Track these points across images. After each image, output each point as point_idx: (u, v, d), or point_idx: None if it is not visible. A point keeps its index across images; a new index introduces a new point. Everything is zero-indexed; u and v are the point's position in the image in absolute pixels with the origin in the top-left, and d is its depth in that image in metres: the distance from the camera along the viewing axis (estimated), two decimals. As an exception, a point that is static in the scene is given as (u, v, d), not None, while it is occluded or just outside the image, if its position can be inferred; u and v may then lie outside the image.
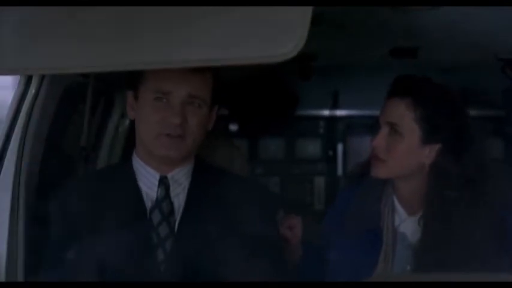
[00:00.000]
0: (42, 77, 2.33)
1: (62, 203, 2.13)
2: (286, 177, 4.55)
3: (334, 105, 4.51)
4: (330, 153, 4.58)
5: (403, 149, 2.23)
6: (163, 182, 2.14)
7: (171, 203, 2.13)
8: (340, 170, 4.57)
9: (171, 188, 2.14)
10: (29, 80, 2.32)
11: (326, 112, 4.56)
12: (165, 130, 2.07)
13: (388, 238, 2.29)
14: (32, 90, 2.31)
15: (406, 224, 2.29)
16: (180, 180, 2.16)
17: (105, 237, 2.05)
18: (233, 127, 4.40)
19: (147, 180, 2.15)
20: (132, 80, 2.15)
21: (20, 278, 2.16)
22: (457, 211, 2.19)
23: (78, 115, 2.65)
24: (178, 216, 2.12)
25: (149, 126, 2.09)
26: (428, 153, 2.24)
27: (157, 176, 2.14)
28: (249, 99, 4.12)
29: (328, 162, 4.59)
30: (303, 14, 1.49)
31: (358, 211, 2.34)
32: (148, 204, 2.13)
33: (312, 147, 4.59)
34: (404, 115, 2.23)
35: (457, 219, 2.18)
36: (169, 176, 2.14)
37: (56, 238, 2.10)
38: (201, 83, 2.09)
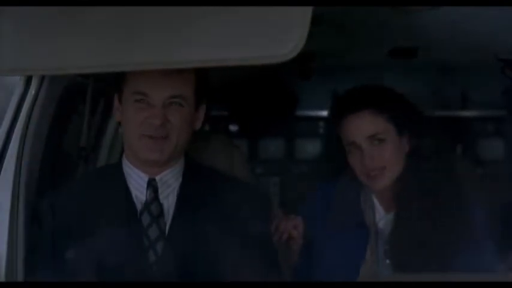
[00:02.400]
0: (42, 77, 2.32)
1: (56, 204, 2.14)
2: (286, 177, 4.55)
3: (334, 105, 4.50)
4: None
5: (392, 151, 2.29)
6: (152, 185, 2.13)
7: (160, 205, 2.12)
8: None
9: (160, 190, 2.13)
10: (29, 80, 2.32)
11: (326, 112, 4.55)
12: (147, 131, 2.06)
13: (371, 233, 2.33)
14: (32, 90, 2.31)
15: (385, 220, 2.34)
16: (169, 181, 2.15)
17: (97, 239, 2.05)
18: (233, 127, 4.39)
19: (136, 183, 2.14)
20: (116, 82, 2.14)
21: (20, 278, 2.16)
22: (431, 202, 2.25)
23: (78, 115, 2.65)
24: (168, 218, 2.11)
25: (132, 128, 2.09)
26: (406, 143, 2.31)
27: (146, 179, 2.13)
28: (249, 99, 4.11)
29: (328, 162, 4.57)
30: (303, 14, 1.49)
31: (340, 207, 2.37)
32: (139, 207, 2.12)
33: (312, 147, 4.58)
34: (378, 122, 2.28)
35: (432, 211, 2.24)
36: (157, 178, 2.13)
37: (52, 238, 2.11)
38: (181, 83, 2.07)
